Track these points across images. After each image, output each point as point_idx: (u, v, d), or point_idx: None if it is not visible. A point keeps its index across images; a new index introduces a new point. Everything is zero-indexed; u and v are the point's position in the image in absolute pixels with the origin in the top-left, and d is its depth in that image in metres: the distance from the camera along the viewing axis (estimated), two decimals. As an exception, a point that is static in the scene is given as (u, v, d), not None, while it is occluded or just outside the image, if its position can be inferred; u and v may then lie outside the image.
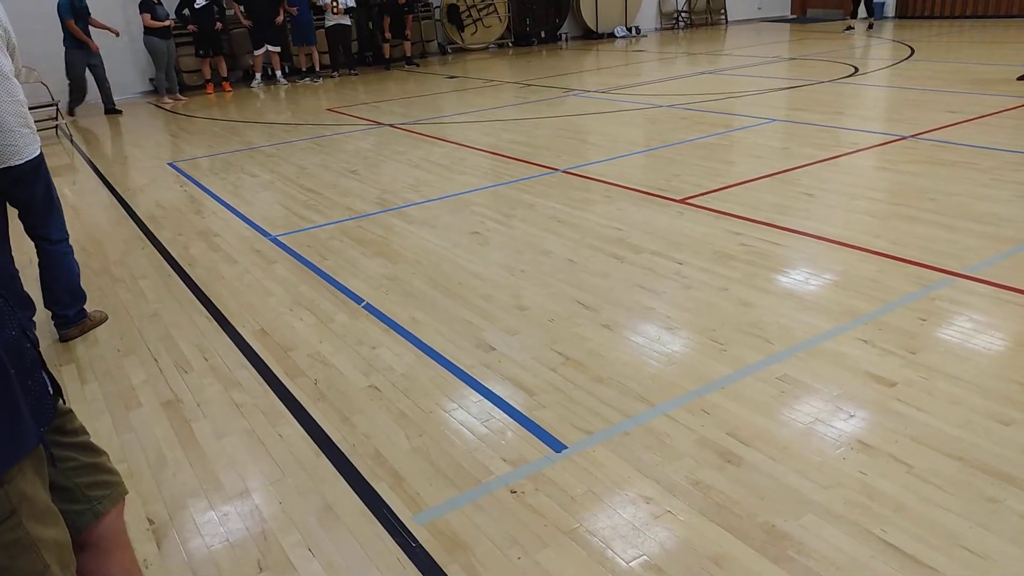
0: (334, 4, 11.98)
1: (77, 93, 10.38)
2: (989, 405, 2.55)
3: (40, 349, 1.33)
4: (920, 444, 2.37)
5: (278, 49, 12.14)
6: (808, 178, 5.23)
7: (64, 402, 1.42)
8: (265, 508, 2.32)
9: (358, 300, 3.78)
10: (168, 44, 10.90)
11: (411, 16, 13.20)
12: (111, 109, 10.47)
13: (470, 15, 14.70)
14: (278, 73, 12.41)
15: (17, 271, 3.56)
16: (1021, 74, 8.14)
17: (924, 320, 3.15)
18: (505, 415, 2.70)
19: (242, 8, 11.67)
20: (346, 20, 12.29)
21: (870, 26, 14.75)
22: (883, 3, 15.54)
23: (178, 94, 11.39)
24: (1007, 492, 2.14)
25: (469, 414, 2.72)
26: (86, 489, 1.45)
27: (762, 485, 2.24)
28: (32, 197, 3.38)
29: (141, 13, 10.58)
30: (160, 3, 10.69)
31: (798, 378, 2.78)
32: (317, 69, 12.46)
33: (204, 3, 11.21)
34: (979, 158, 5.42)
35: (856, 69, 9.95)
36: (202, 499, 2.39)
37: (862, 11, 14.70)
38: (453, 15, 14.55)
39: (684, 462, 2.36)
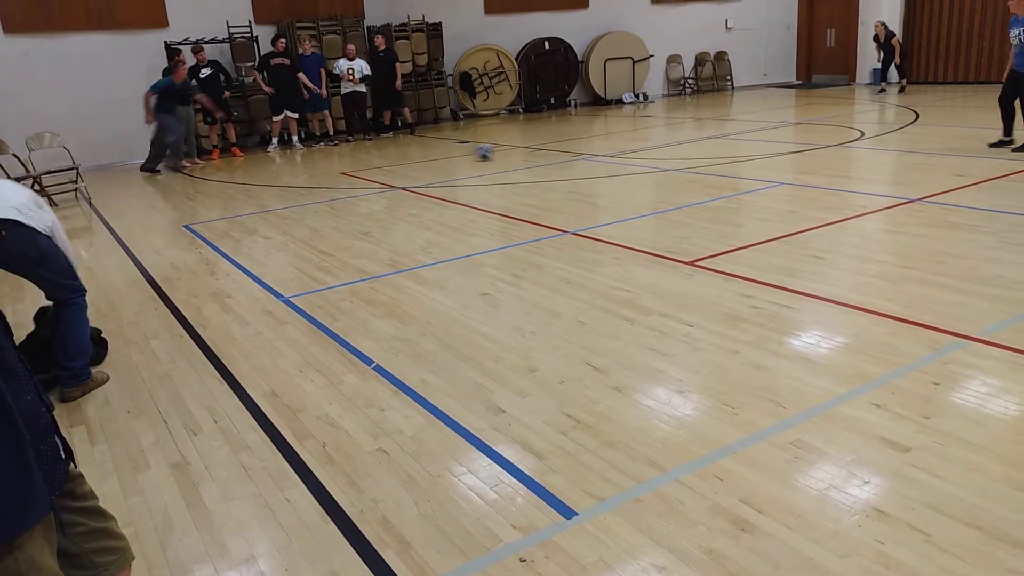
0: (350, 72, 12.36)
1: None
2: (1008, 472, 2.50)
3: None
4: (937, 512, 2.32)
5: (296, 115, 12.47)
6: (817, 241, 5.26)
7: (75, 466, 1.42)
8: (271, 575, 2.29)
9: (368, 362, 3.79)
10: (187, 110, 11.26)
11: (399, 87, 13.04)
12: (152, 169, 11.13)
13: (482, 82, 15.08)
14: (294, 138, 12.70)
15: None
16: (992, 141, 8.28)
17: (937, 384, 3.12)
18: (515, 480, 2.67)
19: (263, 75, 12.07)
20: (361, 88, 12.64)
21: (882, 90, 14.94)
22: (879, 69, 15.74)
23: (196, 158, 11.66)
24: (1029, 563, 2.09)
25: (478, 479, 2.70)
26: (93, 555, 1.45)
27: (776, 554, 2.19)
28: (35, 277, 3.54)
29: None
30: (180, 71, 11.12)
31: (811, 443, 2.75)
32: (331, 134, 12.75)
33: (209, 72, 11.64)
34: (987, 221, 5.45)
35: (862, 133, 10.09)
36: (208, 565, 2.36)
37: (892, 74, 14.93)
38: (465, 82, 14.93)
39: (697, 530, 2.32)
